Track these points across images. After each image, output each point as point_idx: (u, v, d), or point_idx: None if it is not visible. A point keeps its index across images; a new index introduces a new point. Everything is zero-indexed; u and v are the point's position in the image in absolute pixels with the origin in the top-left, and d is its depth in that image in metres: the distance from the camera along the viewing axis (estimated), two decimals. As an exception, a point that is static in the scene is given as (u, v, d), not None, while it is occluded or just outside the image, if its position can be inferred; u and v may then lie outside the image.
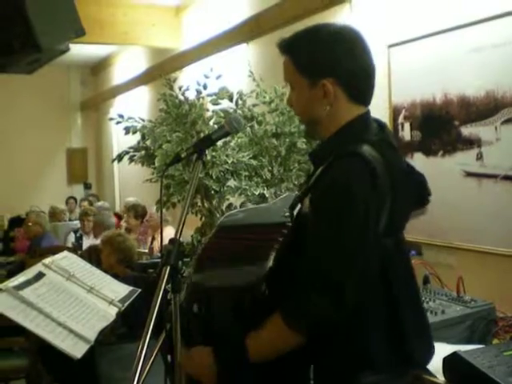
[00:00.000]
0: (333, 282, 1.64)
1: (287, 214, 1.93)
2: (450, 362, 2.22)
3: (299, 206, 1.86)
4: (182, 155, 1.93)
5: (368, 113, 1.88)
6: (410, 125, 3.83)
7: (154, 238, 6.53)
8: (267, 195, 3.77)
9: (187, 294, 1.92)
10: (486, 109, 3.29)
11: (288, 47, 1.85)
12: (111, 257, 4.33)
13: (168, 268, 1.62)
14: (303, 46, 1.82)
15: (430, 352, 1.94)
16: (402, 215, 1.88)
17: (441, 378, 2.30)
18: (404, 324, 1.80)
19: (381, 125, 1.92)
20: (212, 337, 1.84)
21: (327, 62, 1.78)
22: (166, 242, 1.68)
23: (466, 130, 3.43)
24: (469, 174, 3.41)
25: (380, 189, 1.69)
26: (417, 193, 1.99)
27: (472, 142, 3.39)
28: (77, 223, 8.07)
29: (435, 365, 2.34)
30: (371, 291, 1.74)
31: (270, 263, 1.84)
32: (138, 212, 7.32)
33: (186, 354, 1.82)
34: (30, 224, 6.84)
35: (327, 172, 1.73)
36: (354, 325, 1.74)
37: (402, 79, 3.87)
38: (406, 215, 1.91)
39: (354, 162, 1.69)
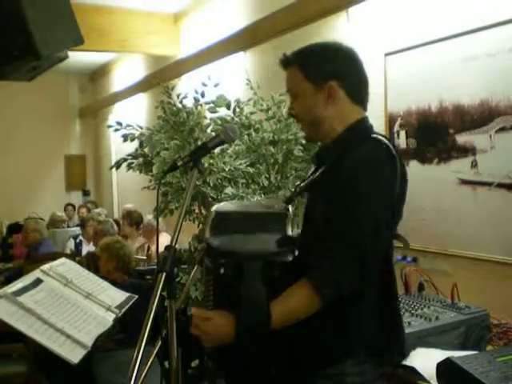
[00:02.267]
0: (360, 254, 1.77)
1: (282, 207, 2.07)
2: (444, 367, 2.24)
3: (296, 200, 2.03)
4: (179, 163, 1.96)
5: (368, 117, 2.05)
6: (406, 133, 3.86)
7: (149, 247, 6.52)
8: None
9: (213, 256, 1.91)
10: (480, 117, 3.32)
11: (295, 56, 2.01)
12: (109, 263, 4.33)
13: (164, 274, 1.64)
14: (309, 53, 2.01)
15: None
16: (400, 210, 1.98)
17: (434, 383, 2.32)
18: (398, 314, 1.99)
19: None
20: (236, 300, 1.82)
21: (332, 65, 1.97)
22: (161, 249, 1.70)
23: (461, 138, 3.46)
24: (463, 182, 3.44)
25: (396, 178, 1.85)
26: None
27: (467, 150, 3.42)
28: (75, 230, 8.07)
29: (429, 370, 2.36)
30: (374, 276, 1.86)
31: (289, 232, 1.92)
32: (133, 219, 7.31)
33: (203, 313, 1.84)
34: (28, 231, 6.84)
35: (346, 157, 1.85)
36: (352, 308, 1.86)
37: (398, 87, 3.90)
38: (400, 211, 2.00)
39: (376, 146, 1.88)
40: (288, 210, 2.05)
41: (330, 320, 1.85)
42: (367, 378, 1.93)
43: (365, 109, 2.04)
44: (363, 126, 2.01)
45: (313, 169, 2.15)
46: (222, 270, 1.86)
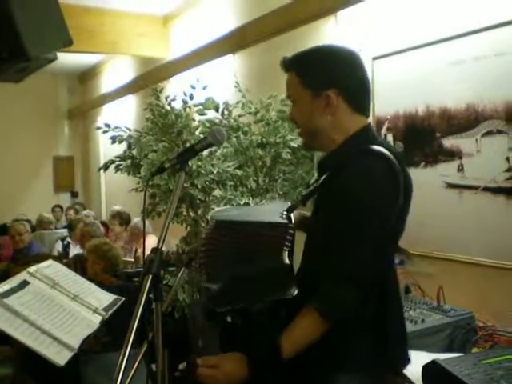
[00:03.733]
0: (356, 275, 1.76)
1: (285, 215, 2.01)
2: (429, 369, 2.26)
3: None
4: (166, 165, 1.96)
5: (371, 124, 2.00)
6: (393, 136, 3.88)
7: (136, 249, 6.52)
8: (252, 205, 3.80)
9: (217, 304, 1.87)
10: (467, 121, 3.35)
11: (292, 63, 1.97)
12: (96, 265, 4.33)
13: (150, 277, 1.64)
14: (307, 60, 1.96)
15: (407, 361, 2.02)
16: (403, 222, 1.95)
17: (420, 385, 2.34)
18: (389, 329, 1.90)
19: (386, 142, 2.05)
20: (246, 343, 1.84)
21: (330, 73, 1.91)
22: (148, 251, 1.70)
23: (448, 142, 3.48)
24: (450, 186, 3.46)
25: (399, 191, 1.80)
26: None
27: (453, 154, 3.44)
28: (63, 231, 8.04)
29: (415, 373, 2.37)
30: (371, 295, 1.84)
31: (287, 261, 1.88)
32: (122, 219, 7.35)
33: (211, 360, 1.82)
34: (17, 237, 6.81)
35: (345, 168, 1.81)
36: (346, 327, 1.83)
37: (386, 91, 3.92)
38: (404, 223, 1.97)
39: (374, 160, 1.80)
40: (290, 219, 2.00)
41: (323, 339, 1.83)
42: None
43: (367, 116, 1.98)
44: (365, 135, 1.93)
45: (316, 176, 2.11)
46: (229, 319, 1.87)
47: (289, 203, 2.10)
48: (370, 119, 3.91)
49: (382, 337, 1.88)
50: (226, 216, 2.20)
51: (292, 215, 2.04)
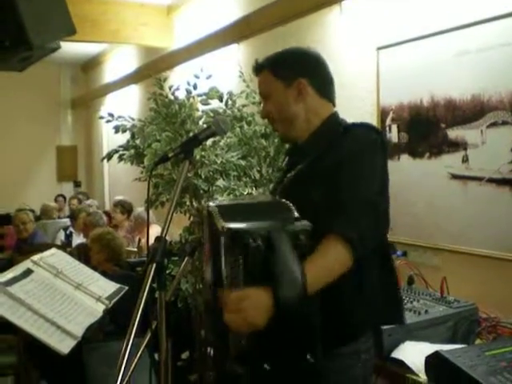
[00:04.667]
0: (373, 209, 1.86)
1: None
2: (432, 361, 2.26)
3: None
4: (170, 155, 1.96)
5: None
6: (398, 127, 3.87)
7: (140, 239, 6.54)
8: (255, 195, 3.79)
9: (237, 236, 1.74)
10: (472, 112, 3.33)
11: (264, 62, 2.14)
12: (100, 254, 4.34)
13: (154, 266, 1.64)
14: (277, 57, 2.14)
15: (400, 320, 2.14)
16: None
17: (423, 376, 2.34)
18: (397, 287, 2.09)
19: None
20: (271, 272, 1.69)
21: (300, 65, 2.11)
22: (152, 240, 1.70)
23: (453, 133, 3.47)
24: (454, 177, 3.45)
25: (386, 155, 2.04)
26: None
27: (458, 145, 3.43)
28: (66, 221, 8.06)
29: (418, 364, 2.38)
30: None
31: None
32: (124, 208, 7.38)
33: (238, 294, 1.68)
34: (21, 226, 6.82)
35: (344, 138, 2.01)
36: (360, 281, 1.92)
37: (390, 81, 3.90)
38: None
39: (367, 130, 2.04)
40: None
41: (342, 298, 1.87)
42: (371, 354, 2.03)
43: (334, 105, 2.16)
44: (338, 119, 2.14)
45: (286, 163, 2.26)
46: (253, 244, 1.70)
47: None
48: (375, 110, 3.95)
49: (387, 285, 2.01)
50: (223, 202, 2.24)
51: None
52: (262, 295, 1.66)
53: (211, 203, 1.94)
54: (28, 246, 6.05)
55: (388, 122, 3.93)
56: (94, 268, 3.90)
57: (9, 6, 2.86)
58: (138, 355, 1.90)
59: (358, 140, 1.99)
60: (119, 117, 4.30)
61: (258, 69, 2.16)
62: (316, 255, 1.74)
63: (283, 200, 1.92)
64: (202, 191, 3.90)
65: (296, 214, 1.81)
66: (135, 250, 6.16)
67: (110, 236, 4.46)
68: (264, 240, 1.71)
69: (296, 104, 2.08)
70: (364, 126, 2.06)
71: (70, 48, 8.56)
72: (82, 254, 5.01)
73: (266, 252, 1.69)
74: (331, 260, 1.77)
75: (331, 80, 2.17)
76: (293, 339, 1.75)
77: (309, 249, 1.75)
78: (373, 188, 1.89)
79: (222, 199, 3.72)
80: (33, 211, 7.73)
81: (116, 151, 4.26)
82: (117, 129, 4.24)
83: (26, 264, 3.17)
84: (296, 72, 2.08)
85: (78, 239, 7.07)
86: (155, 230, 5.56)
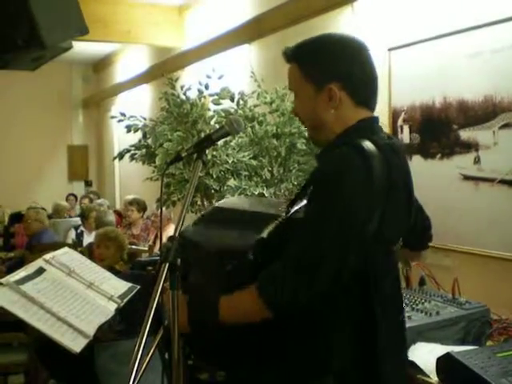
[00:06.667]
0: (307, 263, 1.66)
1: (283, 208, 1.96)
2: (444, 362, 2.25)
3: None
4: (183, 154, 1.95)
5: (375, 118, 1.90)
6: (409, 127, 3.86)
7: (156, 237, 6.60)
8: (266, 195, 3.79)
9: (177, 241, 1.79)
10: (484, 113, 3.32)
11: (294, 54, 1.90)
12: (109, 250, 4.40)
13: (167, 265, 1.64)
14: (309, 52, 1.88)
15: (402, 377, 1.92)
16: (396, 226, 1.84)
17: (434, 378, 2.33)
18: (378, 342, 1.74)
19: (390, 136, 1.94)
20: (188, 290, 1.83)
21: (332, 67, 1.83)
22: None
23: (465, 134, 3.46)
24: (466, 178, 3.44)
25: (376, 185, 1.68)
26: (413, 221, 2.00)
27: (470, 146, 3.42)
28: (77, 220, 8.09)
29: (429, 365, 2.37)
30: (345, 292, 1.73)
31: (264, 234, 1.83)
32: (140, 205, 7.48)
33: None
34: (29, 221, 6.86)
35: (321, 160, 1.82)
36: (320, 325, 1.74)
37: (402, 82, 3.90)
38: (399, 228, 1.89)
39: (350, 151, 1.70)
40: (288, 212, 1.93)
41: (296, 338, 1.78)
42: None
43: (371, 109, 1.89)
44: (362, 127, 1.84)
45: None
46: (178, 261, 1.73)
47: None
48: (386, 111, 3.94)
49: (369, 353, 1.73)
50: (226, 203, 2.22)
51: (294, 209, 1.94)
52: (182, 307, 1.78)
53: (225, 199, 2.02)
54: (39, 245, 6.08)
55: (400, 122, 3.93)
56: (101, 260, 3.99)
57: (22, 5, 2.88)
58: (150, 354, 1.91)
59: (327, 167, 1.74)
60: (131, 116, 4.31)
61: (288, 58, 1.91)
62: (235, 292, 1.76)
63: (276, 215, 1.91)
64: (213, 191, 3.91)
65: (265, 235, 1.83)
66: (146, 248, 6.17)
67: (115, 233, 4.57)
68: (188, 257, 1.81)
69: (326, 111, 1.84)
70: (348, 147, 1.72)
71: (82, 48, 8.60)
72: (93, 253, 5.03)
73: (186, 268, 1.80)
74: (242, 300, 1.75)
75: (370, 79, 1.86)
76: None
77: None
78: (320, 243, 1.66)
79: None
80: (44, 210, 7.76)
81: (128, 150, 4.28)
82: (128, 128, 4.26)
83: (38, 263, 3.18)
84: (328, 75, 1.82)
85: (88, 238, 7.09)
86: (172, 229, 5.58)
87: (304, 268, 1.65)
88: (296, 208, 1.89)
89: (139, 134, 4.26)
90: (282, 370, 1.81)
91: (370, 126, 1.86)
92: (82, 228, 7.57)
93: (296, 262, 1.66)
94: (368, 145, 1.72)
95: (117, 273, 3.82)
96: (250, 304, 1.72)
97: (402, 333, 1.91)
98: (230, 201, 2.31)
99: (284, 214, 1.90)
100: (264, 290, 1.68)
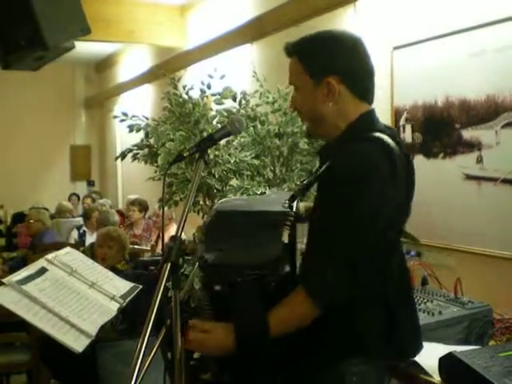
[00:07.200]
0: (348, 258, 1.75)
1: (286, 204, 2.02)
2: (446, 362, 2.24)
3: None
4: (185, 154, 1.96)
5: (374, 110, 1.96)
6: (412, 127, 3.86)
7: (158, 236, 6.61)
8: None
9: (208, 273, 1.92)
10: (486, 112, 3.32)
11: (295, 48, 1.96)
12: (111, 250, 4.41)
13: (169, 265, 1.64)
14: (309, 46, 1.94)
15: (419, 348, 2.06)
16: (406, 208, 1.98)
17: (437, 377, 2.33)
18: (397, 317, 1.88)
19: (386, 125, 2.01)
20: (233, 314, 1.85)
21: (331, 60, 1.89)
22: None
23: (467, 133, 3.45)
24: (469, 177, 3.44)
25: (397, 176, 1.78)
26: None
27: (472, 145, 3.41)
28: (79, 220, 8.10)
29: (431, 365, 2.36)
30: (372, 278, 1.83)
31: (285, 241, 1.91)
32: (142, 205, 7.50)
33: (202, 324, 1.85)
34: (31, 221, 6.87)
35: (342, 155, 1.81)
36: (352, 309, 1.82)
37: (405, 81, 3.89)
38: (407, 209, 2.00)
39: (372, 147, 1.78)
40: (292, 208, 2.02)
41: (330, 321, 1.82)
42: (369, 378, 1.93)
43: (370, 102, 1.95)
44: (366, 120, 1.91)
45: (317, 165, 2.13)
46: (217, 287, 1.88)
47: (292, 193, 2.11)
48: (389, 110, 3.93)
49: (392, 323, 1.87)
50: (228, 207, 2.22)
51: (295, 205, 2.05)
52: (224, 331, 1.81)
53: (223, 202, 2.01)
54: (41, 245, 6.09)
55: (402, 122, 3.92)
56: (103, 259, 3.98)
57: (24, 6, 2.88)
58: (152, 354, 1.91)
59: (347, 165, 1.77)
60: (133, 116, 4.31)
61: (289, 52, 1.97)
62: (281, 304, 1.80)
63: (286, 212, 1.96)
64: (215, 190, 3.90)
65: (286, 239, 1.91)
66: (148, 248, 6.17)
67: (117, 233, 4.57)
68: (230, 285, 1.86)
69: (325, 104, 1.89)
70: (370, 141, 1.80)
71: (84, 48, 8.60)
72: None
73: (229, 296, 1.85)
74: (292, 310, 1.81)
75: (368, 73, 1.93)
76: (262, 362, 1.88)
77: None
78: (348, 238, 1.75)
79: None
80: (46, 210, 7.77)
81: (130, 150, 4.27)
82: (131, 128, 4.25)
83: (40, 262, 3.19)
84: (326, 68, 1.87)
85: (91, 238, 7.10)
86: (175, 229, 5.59)
87: (345, 262, 1.74)
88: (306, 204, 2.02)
89: (141, 134, 4.26)
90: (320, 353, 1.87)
91: (372, 119, 1.93)
92: (84, 228, 7.58)
93: (339, 259, 1.75)
94: (387, 139, 1.80)
95: (119, 272, 3.82)
96: (300, 308, 1.79)
97: (414, 311, 2.06)
98: (228, 203, 2.30)
99: (289, 210, 1.98)
100: (313, 288, 1.76)
